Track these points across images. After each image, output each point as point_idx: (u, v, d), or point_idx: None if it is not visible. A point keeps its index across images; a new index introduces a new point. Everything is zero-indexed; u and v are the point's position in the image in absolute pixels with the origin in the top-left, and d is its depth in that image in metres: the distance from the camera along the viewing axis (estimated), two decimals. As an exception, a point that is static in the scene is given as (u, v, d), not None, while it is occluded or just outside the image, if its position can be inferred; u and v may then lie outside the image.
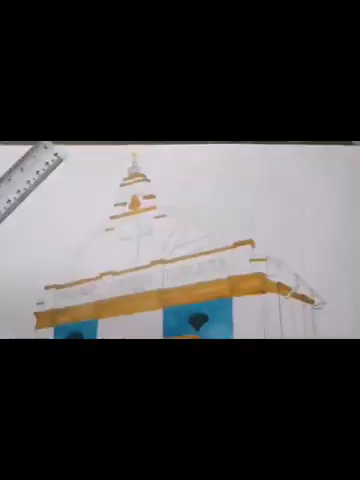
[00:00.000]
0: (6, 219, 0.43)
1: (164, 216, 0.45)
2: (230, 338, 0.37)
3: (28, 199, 0.43)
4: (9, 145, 0.41)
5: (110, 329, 0.39)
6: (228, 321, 0.38)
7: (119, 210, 0.46)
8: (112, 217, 0.45)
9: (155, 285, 0.42)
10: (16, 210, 0.43)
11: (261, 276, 0.42)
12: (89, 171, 0.45)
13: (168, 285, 0.42)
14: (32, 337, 0.37)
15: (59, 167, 0.45)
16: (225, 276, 0.42)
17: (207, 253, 0.43)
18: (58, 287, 0.42)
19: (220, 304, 0.40)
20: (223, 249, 0.43)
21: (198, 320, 0.39)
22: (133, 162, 0.47)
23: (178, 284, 0.41)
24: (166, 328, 0.39)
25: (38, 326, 0.40)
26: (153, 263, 0.43)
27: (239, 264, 0.42)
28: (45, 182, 0.44)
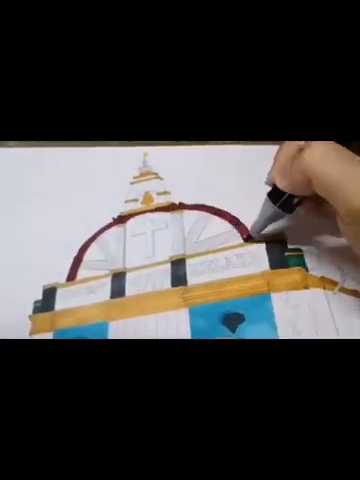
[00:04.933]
0: (9, 213, 0.40)
1: (181, 211, 0.40)
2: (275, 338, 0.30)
3: (34, 195, 0.41)
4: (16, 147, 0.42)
5: (124, 333, 0.32)
6: (270, 320, 0.31)
7: (130, 206, 0.41)
8: (123, 213, 0.41)
9: (176, 282, 0.35)
10: (20, 207, 0.40)
11: (301, 270, 0.36)
12: (97, 170, 0.43)
13: (192, 282, 0.35)
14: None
15: (64, 166, 0.44)
16: (258, 271, 0.35)
17: (234, 247, 0.37)
18: (60, 286, 0.36)
19: (257, 301, 0.33)
20: (252, 242, 0.37)
21: (233, 320, 0.32)
22: (144, 162, 0.45)
23: (203, 280, 0.35)
24: (194, 330, 0.32)
25: (34, 331, 0.33)
26: (172, 258, 0.36)
27: (273, 258, 0.36)
28: (50, 181, 0.42)
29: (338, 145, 0.26)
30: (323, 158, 0.25)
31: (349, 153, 0.26)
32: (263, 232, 0.37)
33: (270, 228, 0.36)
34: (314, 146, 0.26)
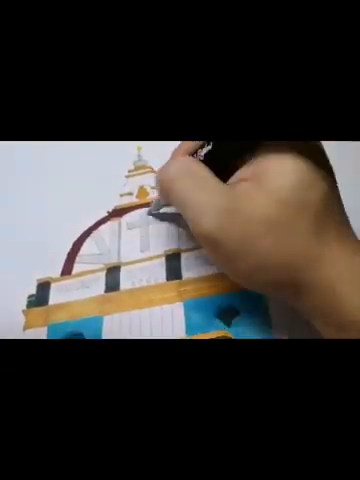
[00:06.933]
0: (2, 206, 0.40)
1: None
2: (269, 336, 0.30)
3: (29, 189, 0.41)
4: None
5: (118, 327, 0.32)
6: (264, 314, 0.31)
7: (125, 200, 0.41)
8: (118, 207, 0.40)
9: (171, 276, 0.35)
10: (15, 197, 0.41)
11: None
12: (92, 163, 0.43)
13: (187, 275, 0.35)
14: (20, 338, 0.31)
15: (58, 160, 0.44)
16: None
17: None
18: (54, 280, 0.36)
19: (251, 295, 0.33)
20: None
21: (228, 314, 0.32)
22: (139, 155, 0.45)
23: (198, 274, 0.35)
24: (189, 324, 0.32)
25: (28, 326, 0.33)
26: (167, 252, 0.36)
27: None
28: (44, 174, 0.42)
29: (194, 163, 0.25)
30: (174, 177, 0.25)
31: (202, 173, 0.25)
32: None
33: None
34: (168, 164, 0.27)
